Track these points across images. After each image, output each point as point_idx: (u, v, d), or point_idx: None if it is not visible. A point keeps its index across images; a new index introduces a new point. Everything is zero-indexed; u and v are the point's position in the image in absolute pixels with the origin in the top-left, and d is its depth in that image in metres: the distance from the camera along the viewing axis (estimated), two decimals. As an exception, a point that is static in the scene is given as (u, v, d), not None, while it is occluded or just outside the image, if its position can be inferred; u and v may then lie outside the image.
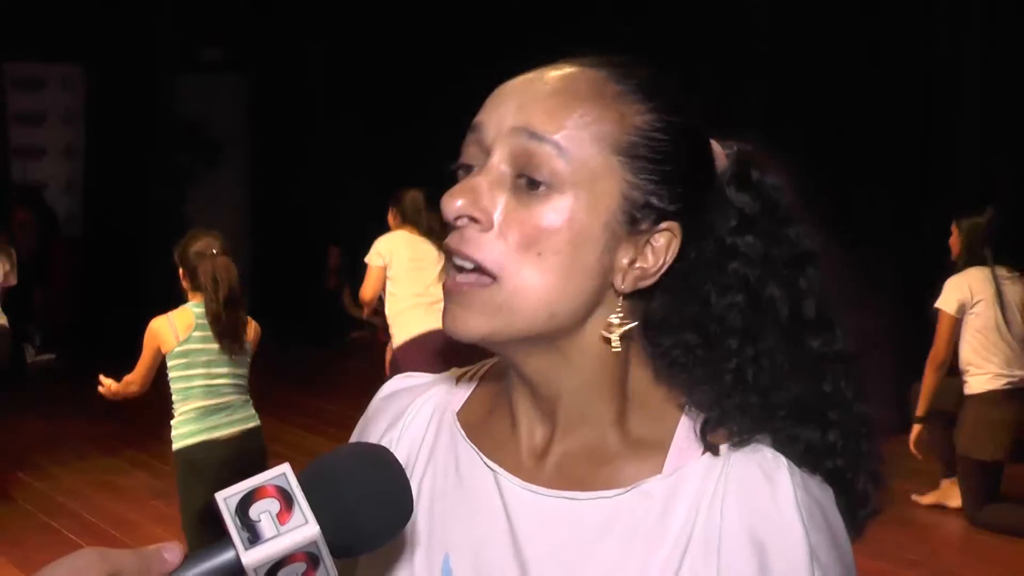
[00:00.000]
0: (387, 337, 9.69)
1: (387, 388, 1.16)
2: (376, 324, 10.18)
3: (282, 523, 0.79)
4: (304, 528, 0.79)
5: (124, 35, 9.29)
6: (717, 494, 0.94)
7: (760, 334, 0.98)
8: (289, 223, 10.09)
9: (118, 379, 4.22)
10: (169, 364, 4.18)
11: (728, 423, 0.97)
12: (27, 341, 8.79)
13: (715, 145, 1.04)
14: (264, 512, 0.79)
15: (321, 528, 0.80)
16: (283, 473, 0.81)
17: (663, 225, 0.96)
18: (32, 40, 8.00)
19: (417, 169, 5.71)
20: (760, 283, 0.99)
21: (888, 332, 1.11)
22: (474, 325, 0.94)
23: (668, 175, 0.96)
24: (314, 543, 0.80)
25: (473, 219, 0.94)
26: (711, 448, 0.96)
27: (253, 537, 0.79)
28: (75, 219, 10.09)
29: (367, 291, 5.82)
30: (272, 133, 10.35)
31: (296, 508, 0.80)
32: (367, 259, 5.78)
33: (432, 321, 5.47)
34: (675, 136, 0.97)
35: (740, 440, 0.96)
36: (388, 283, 5.75)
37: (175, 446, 4.20)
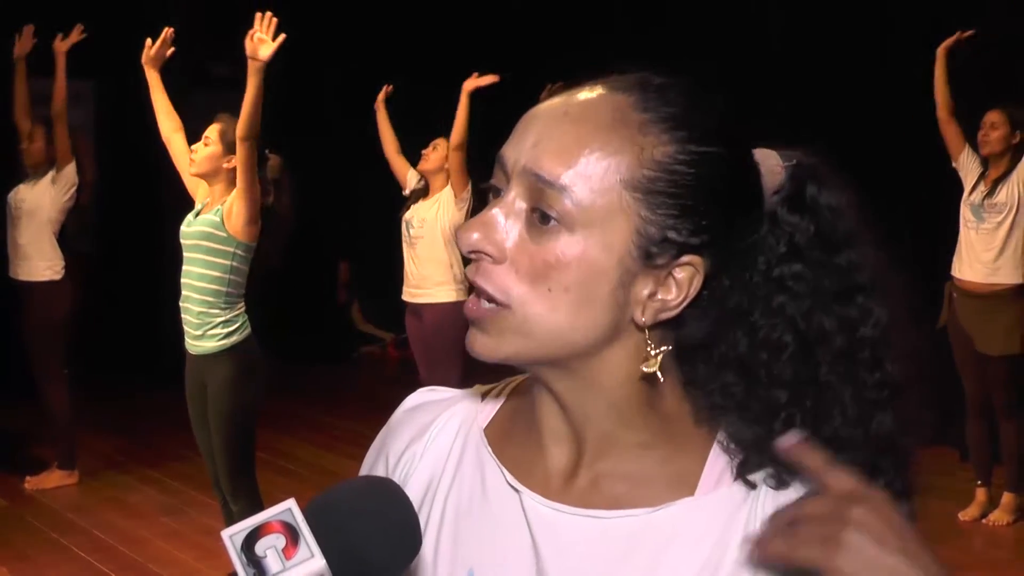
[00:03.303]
0: (396, 351, 9.72)
1: (411, 400, 1.15)
2: (385, 339, 10.19)
3: (288, 558, 0.79)
4: (310, 562, 0.79)
5: (133, 51, 9.31)
6: (750, 523, 0.93)
7: (812, 380, 0.96)
8: (299, 238, 10.11)
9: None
10: (243, 254, 4.17)
11: (769, 466, 0.95)
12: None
13: (770, 157, 1.00)
14: (270, 548, 0.79)
15: (328, 562, 0.79)
16: (288, 508, 0.81)
17: (684, 259, 0.94)
18: (40, 56, 8.02)
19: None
20: (808, 320, 0.96)
21: (929, 353, 1.05)
22: (492, 347, 0.96)
23: (690, 209, 0.93)
24: (320, 578, 0.79)
25: (485, 253, 0.95)
26: (747, 483, 0.95)
27: (259, 573, 0.78)
28: (85, 235, 10.10)
29: None
30: (283, 149, 10.37)
31: (302, 542, 0.79)
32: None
33: None
34: (703, 168, 0.93)
35: (779, 482, 0.95)
36: None
37: (238, 338, 4.10)
